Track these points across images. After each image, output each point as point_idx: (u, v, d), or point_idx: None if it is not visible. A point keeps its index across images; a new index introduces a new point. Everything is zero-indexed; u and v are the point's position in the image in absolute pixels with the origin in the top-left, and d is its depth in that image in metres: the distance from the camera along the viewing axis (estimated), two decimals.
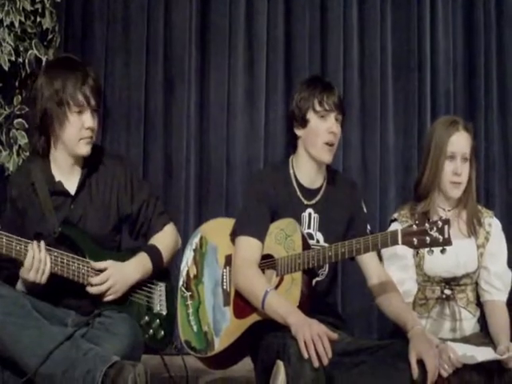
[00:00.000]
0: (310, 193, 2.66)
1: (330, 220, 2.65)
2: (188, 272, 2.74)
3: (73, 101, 2.51)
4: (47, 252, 2.46)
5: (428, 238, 2.29)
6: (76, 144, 2.55)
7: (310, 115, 2.61)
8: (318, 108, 2.60)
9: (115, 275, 2.55)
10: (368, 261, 2.62)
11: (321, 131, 2.60)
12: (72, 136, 2.54)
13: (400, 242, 2.33)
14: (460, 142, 2.73)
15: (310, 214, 2.64)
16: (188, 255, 2.77)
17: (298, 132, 2.65)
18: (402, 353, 2.30)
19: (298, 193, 2.65)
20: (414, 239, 2.31)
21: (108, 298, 2.55)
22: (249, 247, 2.55)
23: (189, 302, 2.69)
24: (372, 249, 2.40)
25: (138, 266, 2.63)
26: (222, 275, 2.64)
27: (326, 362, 2.18)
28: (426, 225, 2.31)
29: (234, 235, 2.63)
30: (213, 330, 2.58)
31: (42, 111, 2.54)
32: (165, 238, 2.75)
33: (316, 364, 2.16)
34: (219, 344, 2.54)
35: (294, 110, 2.64)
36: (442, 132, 2.73)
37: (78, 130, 2.54)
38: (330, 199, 2.68)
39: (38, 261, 2.43)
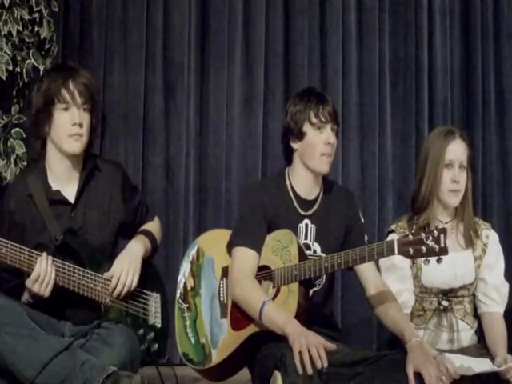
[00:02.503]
0: (306, 203, 2.66)
1: (326, 230, 2.65)
2: (185, 284, 2.74)
3: (57, 97, 2.56)
4: (53, 264, 2.47)
5: (424, 248, 2.29)
6: (65, 141, 2.58)
7: (307, 127, 2.61)
8: (314, 120, 2.60)
9: (122, 260, 2.60)
10: (365, 271, 2.61)
11: (318, 143, 2.59)
12: (60, 133, 2.58)
13: (396, 251, 2.33)
14: (457, 150, 2.74)
15: (306, 225, 2.64)
16: (185, 267, 2.77)
17: (295, 145, 2.65)
18: (399, 365, 2.30)
19: (295, 203, 2.65)
20: (410, 249, 2.31)
21: (134, 281, 2.59)
22: (245, 258, 2.55)
23: (186, 314, 2.69)
24: (368, 259, 2.39)
25: (138, 241, 2.71)
26: (219, 287, 2.64)
27: (319, 366, 2.16)
28: (422, 234, 2.30)
29: (230, 246, 2.62)
30: (210, 342, 2.58)
31: (35, 112, 2.60)
32: (153, 225, 2.88)
33: (309, 371, 2.15)
34: (217, 356, 2.54)
35: (290, 124, 2.64)
36: (438, 142, 2.74)
37: (64, 126, 2.56)
38: (326, 209, 2.67)
39: (45, 273, 2.44)
